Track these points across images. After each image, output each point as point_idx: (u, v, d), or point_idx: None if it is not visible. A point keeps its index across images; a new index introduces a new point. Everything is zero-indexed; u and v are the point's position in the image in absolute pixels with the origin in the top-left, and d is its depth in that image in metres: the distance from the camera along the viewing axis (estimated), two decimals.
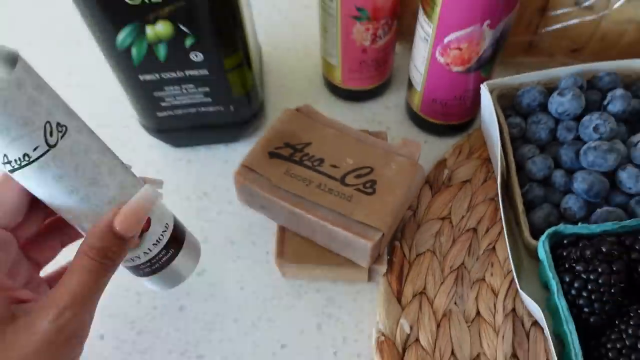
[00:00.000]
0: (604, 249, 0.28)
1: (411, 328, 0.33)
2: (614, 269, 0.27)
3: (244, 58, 0.36)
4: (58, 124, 0.22)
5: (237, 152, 0.41)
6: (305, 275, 0.36)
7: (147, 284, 0.29)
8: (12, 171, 0.22)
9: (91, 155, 0.24)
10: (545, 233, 0.29)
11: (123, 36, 0.31)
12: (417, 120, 0.41)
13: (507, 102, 0.36)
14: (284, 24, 0.48)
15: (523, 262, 0.34)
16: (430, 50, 0.34)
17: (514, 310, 0.33)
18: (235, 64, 0.35)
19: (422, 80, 0.37)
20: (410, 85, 0.40)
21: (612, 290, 0.27)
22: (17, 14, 0.51)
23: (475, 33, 0.31)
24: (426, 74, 0.36)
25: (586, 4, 0.37)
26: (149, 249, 0.27)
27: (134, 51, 0.32)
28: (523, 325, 0.33)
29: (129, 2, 0.29)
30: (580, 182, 0.31)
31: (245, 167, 0.33)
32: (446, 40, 0.32)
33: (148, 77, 0.34)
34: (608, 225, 0.29)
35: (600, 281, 0.27)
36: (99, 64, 0.35)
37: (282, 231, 0.35)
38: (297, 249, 0.34)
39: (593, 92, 0.34)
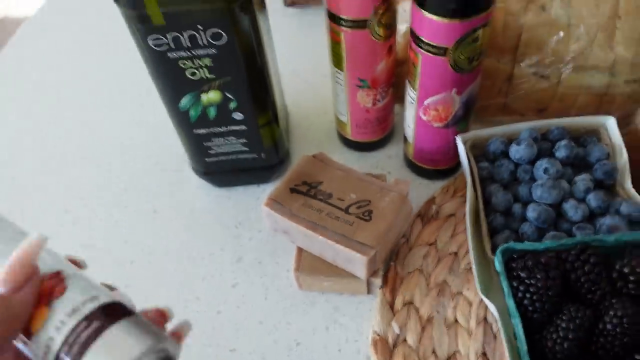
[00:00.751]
0: (542, 260, 0.36)
1: (400, 330, 0.41)
2: (550, 275, 0.35)
3: (273, 117, 0.47)
4: None
5: (267, 191, 0.51)
6: (316, 287, 0.45)
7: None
8: None
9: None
10: (499, 248, 0.37)
11: (185, 101, 0.42)
12: (412, 166, 0.51)
13: (479, 151, 0.45)
14: (307, 90, 0.59)
15: (492, 278, 0.42)
16: (416, 110, 0.44)
17: (485, 318, 0.41)
18: (266, 122, 0.46)
19: (412, 134, 0.47)
20: (405, 138, 0.49)
21: (549, 293, 0.35)
22: (107, 77, 0.64)
23: (447, 98, 0.41)
24: (415, 129, 0.46)
25: (543, 73, 0.46)
26: (61, 321, 0.23)
27: (191, 112, 0.43)
28: (492, 329, 0.41)
29: (191, 78, 0.40)
30: (531, 212, 0.40)
31: (272, 199, 0.43)
32: (426, 102, 0.42)
33: (201, 131, 0.45)
34: (548, 243, 0.37)
35: (539, 285, 0.35)
36: (161, 121, 0.46)
37: (300, 250, 0.44)
38: (311, 264, 0.43)
39: (545, 143, 0.43)
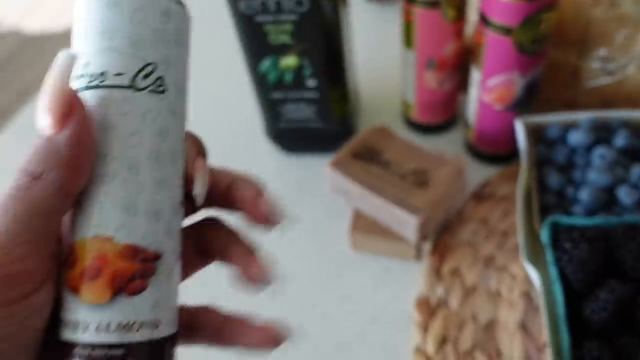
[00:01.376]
0: (586, 234, 0.37)
1: (444, 294, 0.43)
2: (594, 248, 0.37)
3: (344, 91, 0.50)
4: (159, 78, 0.19)
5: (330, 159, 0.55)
6: (369, 248, 0.47)
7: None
8: (81, 90, 0.19)
9: (159, 144, 0.19)
10: (547, 220, 0.39)
11: (265, 65, 0.47)
12: (472, 150, 0.53)
13: (537, 135, 0.46)
14: (377, 78, 0.63)
15: (539, 254, 0.43)
16: (479, 91, 0.46)
17: (527, 293, 0.43)
18: (338, 96, 0.50)
19: (474, 116, 0.49)
20: (466, 123, 0.52)
21: (592, 265, 0.36)
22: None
23: (509, 79, 0.44)
24: (477, 110, 0.48)
25: (609, 68, 0.47)
26: (107, 324, 0.18)
27: (270, 75, 0.48)
28: (532, 303, 0.42)
29: (273, 42, 0.45)
30: (583, 193, 0.41)
31: (336, 161, 0.47)
32: (489, 83, 0.45)
33: (276, 94, 0.49)
34: (596, 220, 0.38)
35: (582, 256, 0.37)
36: (243, 87, 0.51)
37: (357, 213, 0.47)
38: (365, 225, 0.46)
39: (603, 132, 0.44)
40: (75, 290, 0.18)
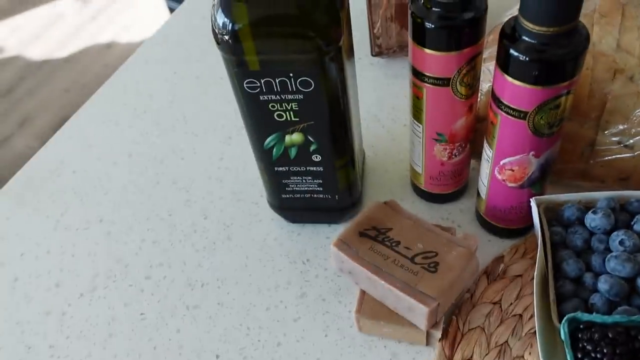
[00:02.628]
0: (610, 335, 0.35)
1: None
2: (617, 351, 0.34)
3: (350, 160, 0.49)
4: None
5: (337, 231, 0.53)
6: (376, 332, 0.45)
7: None
8: None
9: None
10: (565, 317, 0.37)
11: (269, 140, 0.45)
12: (482, 222, 0.51)
13: (553, 215, 0.44)
14: (385, 136, 0.61)
15: (556, 346, 0.41)
16: (491, 168, 0.45)
17: None
18: (343, 164, 0.48)
19: (485, 191, 0.47)
20: (478, 194, 0.50)
21: None
22: (195, 109, 0.69)
23: (523, 160, 0.42)
24: (489, 186, 0.46)
25: (627, 143, 0.46)
26: None
27: (274, 150, 0.46)
28: None
29: (278, 119, 0.43)
30: (603, 283, 0.39)
31: (340, 240, 0.45)
32: (502, 162, 0.43)
33: (281, 168, 0.47)
34: (617, 318, 0.36)
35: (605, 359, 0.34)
36: (244, 155, 0.50)
37: (363, 293, 0.45)
38: (372, 308, 0.44)
39: (623, 214, 0.42)
40: None
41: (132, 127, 0.67)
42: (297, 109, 0.42)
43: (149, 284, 0.52)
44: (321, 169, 0.47)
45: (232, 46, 0.39)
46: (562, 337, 0.37)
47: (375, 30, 0.66)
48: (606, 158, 0.47)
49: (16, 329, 0.50)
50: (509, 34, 0.37)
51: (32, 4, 2.43)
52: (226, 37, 0.39)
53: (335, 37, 0.39)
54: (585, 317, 0.37)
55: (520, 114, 0.39)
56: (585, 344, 0.35)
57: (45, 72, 2.16)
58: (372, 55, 0.68)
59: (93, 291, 0.52)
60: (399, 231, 0.45)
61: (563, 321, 0.37)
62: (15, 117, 2.00)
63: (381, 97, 0.65)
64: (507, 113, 0.40)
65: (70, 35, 2.29)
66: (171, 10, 1.94)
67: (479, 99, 0.48)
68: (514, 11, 0.53)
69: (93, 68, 2.16)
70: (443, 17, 0.39)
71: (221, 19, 0.38)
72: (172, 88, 0.72)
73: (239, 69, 0.40)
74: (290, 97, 0.41)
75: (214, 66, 0.72)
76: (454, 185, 0.52)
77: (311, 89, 0.41)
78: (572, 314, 0.37)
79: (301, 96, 0.41)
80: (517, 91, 0.38)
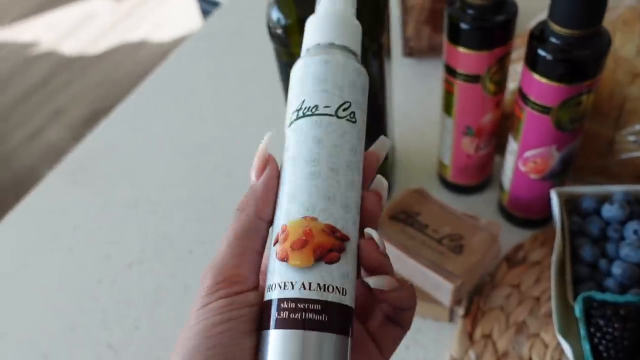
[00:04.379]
0: (621, 312, 0.38)
1: (476, 358, 0.45)
2: (627, 326, 0.38)
3: None
4: (353, 113, 0.26)
5: None
6: None
7: (262, 348, 0.23)
8: (296, 120, 0.25)
9: (351, 156, 0.25)
10: (580, 295, 0.40)
11: None
12: (505, 213, 0.54)
13: (572, 206, 0.48)
14: (414, 132, 0.65)
15: (571, 325, 0.44)
16: (515, 160, 0.48)
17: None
18: None
19: (509, 183, 0.51)
20: (501, 186, 0.53)
21: (625, 342, 0.38)
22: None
23: (546, 152, 0.45)
24: (512, 178, 0.50)
25: None
26: (309, 283, 0.23)
27: None
28: None
29: None
30: (617, 268, 0.42)
31: None
32: (525, 155, 0.46)
33: None
34: (629, 297, 0.39)
35: (615, 334, 0.38)
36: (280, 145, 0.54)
37: None
38: None
39: (637, 206, 0.46)
40: (285, 258, 0.23)
41: (176, 115, 0.72)
42: None
43: (192, 258, 0.56)
44: None
45: (283, 39, 0.43)
46: (577, 313, 0.40)
47: (407, 32, 0.70)
48: (623, 156, 0.50)
49: (71, 294, 0.55)
50: (538, 35, 0.41)
51: (67, 1, 2.52)
52: (278, 31, 0.43)
53: (379, 34, 0.43)
54: (599, 295, 0.40)
55: (545, 110, 0.43)
56: (598, 320, 0.39)
57: (78, 67, 2.24)
58: (404, 55, 0.72)
59: (140, 263, 0.57)
60: (427, 215, 0.49)
61: (578, 298, 0.40)
62: (49, 109, 2.07)
63: (411, 95, 0.69)
64: (533, 108, 0.43)
65: (104, 33, 2.36)
66: (203, 10, 2.00)
67: (505, 97, 0.52)
68: (540, 18, 0.57)
69: (124, 65, 2.22)
70: (477, 19, 0.43)
71: (275, 14, 0.43)
72: (214, 82, 0.76)
73: (288, 59, 0.44)
74: None
75: (255, 62, 0.77)
76: (478, 178, 0.55)
77: None
78: (587, 293, 0.40)
79: None
80: (543, 88, 0.42)
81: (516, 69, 0.53)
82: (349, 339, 0.24)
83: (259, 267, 0.25)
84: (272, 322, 0.23)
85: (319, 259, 0.23)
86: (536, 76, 0.41)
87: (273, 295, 0.23)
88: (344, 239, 0.24)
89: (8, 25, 2.42)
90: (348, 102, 0.26)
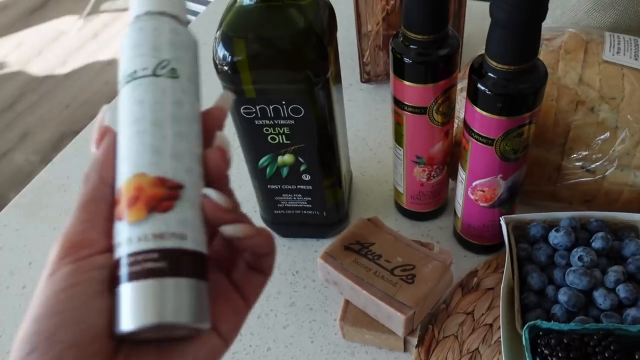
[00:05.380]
0: (565, 340, 0.39)
1: None
2: (571, 356, 0.38)
3: (337, 180, 0.53)
4: (173, 69, 0.26)
5: (324, 246, 0.57)
6: (358, 338, 0.49)
7: (115, 306, 0.24)
8: (120, 90, 0.27)
9: (176, 109, 0.26)
10: (526, 325, 0.41)
11: (263, 160, 0.49)
12: (459, 239, 0.55)
13: (520, 232, 0.49)
14: (372, 158, 0.65)
15: (520, 353, 0.45)
16: (465, 189, 0.49)
17: None
18: (330, 184, 0.52)
19: (461, 210, 0.51)
20: (455, 212, 0.54)
21: None
22: None
23: (492, 182, 0.46)
24: (463, 205, 0.51)
25: (589, 167, 0.50)
26: (144, 234, 0.24)
27: (268, 170, 0.50)
28: None
29: (271, 142, 0.47)
30: (563, 295, 0.43)
31: (327, 253, 0.49)
32: (473, 184, 0.47)
33: (273, 186, 0.52)
34: (573, 326, 0.40)
35: None
36: (240, 173, 0.54)
37: (347, 303, 0.49)
38: (355, 316, 0.48)
39: (583, 232, 0.47)
40: (121, 217, 0.24)
41: None
42: (288, 132, 0.47)
43: None
44: (310, 187, 0.51)
45: (230, 76, 0.43)
46: (524, 342, 0.41)
47: (364, 59, 0.71)
48: (571, 181, 0.51)
49: None
50: (477, 69, 0.42)
51: (35, 21, 2.49)
52: (225, 68, 0.43)
53: (324, 69, 0.44)
54: (545, 324, 0.41)
55: (489, 141, 0.43)
56: (543, 349, 0.39)
57: (46, 88, 2.21)
58: (362, 81, 0.73)
59: None
60: (380, 245, 0.50)
61: (524, 328, 0.41)
62: (16, 132, 2.04)
63: (369, 121, 0.69)
64: (477, 140, 0.44)
65: (72, 53, 2.34)
66: None
67: (455, 126, 0.53)
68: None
69: (93, 85, 2.20)
70: (420, 54, 0.44)
71: (221, 51, 0.43)
72: None
73: (237, 97, 0.44)
74: (282, 122, 0.46)
75: (211, 92, 0.77)
76: (433, 204, 0.56)
77: (301, 115, 0.45)
78: (532, 322, 0.41)
79: (292, 121, 0.46)
80: (485, 120, 0.42)
81: (464, 99, 0.54)
82: (198, 281, 0.24)
83: (109, 232, 0.25)
84: (120, 278, 0.24)
85: (151, 210, 0.24)
86: (478, 109, 0.42)
87: (117, 254, 0.24)
88: (177, 187, 0.25)
89: None
90: (166, 60, 0.26)
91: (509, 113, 0.41)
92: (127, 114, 0.26)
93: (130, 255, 0.24)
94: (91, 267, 0.24)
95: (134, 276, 0.23)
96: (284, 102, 0.45)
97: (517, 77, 0.40)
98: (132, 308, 0.23)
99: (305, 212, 0.54)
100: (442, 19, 0.43)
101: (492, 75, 0.41)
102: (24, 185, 0.68)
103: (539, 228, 0.48)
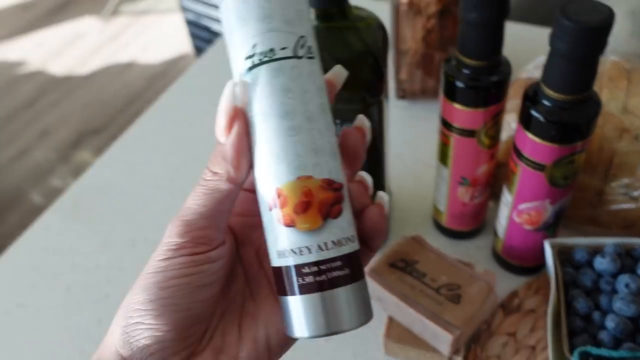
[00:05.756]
0: None
1: None
2: None
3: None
4: (309, 47, 0.23)
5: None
6: (401, 355, 0.50)
7: (290, 312, 0.23)
8: (251, 68, 0.23)
9: (321, 97, 0.24)
10: (577, 350, 0.41)
11: None
12: (498, 259, 0.56)
13: (564, 256, 0.49)
14: (408, 175, 0.66)
15: None
16: (510, 212, 0.50)
17: None
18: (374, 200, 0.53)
19: (503, 232, 0.52)
20: (495, 233, 0.55)
21: None
22: None
23: (540, 206, 0.47)
24: (506, 227, 0.51)
25: (632, 195, 0.51)
26: (324, 243, 0.23)
27: None
28: None
29: None
30: (610, 322, 0.44)
31: (372, 269, 0.50)
32: (520, 207, 0.48)
33: None
34: (624, 353, 0.41)
35: None
36: None
37: (390, 319, 0.50)
38: (399, 333, 0.49)
39: (628, 259, 0.47)
40: (292, 223, 0.23)
41: (173, 154, 0.72)
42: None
43: None
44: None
45: None
46: None
47: (400, 76, 0.72)
48: (613, 207, 0.52)
49: (69, 334, 0.55)
50: (531, 96, 0.43)
51: (56, 21, 2.51)
52: None
53: (379, 90, 0.45)
54: (595, 350, 0.41)
55: (539, 167, 0.44)
56: None
57: (65, 88, 2.23)
58: (397, 97, 0.74)
59: None
60: (424, 264, 0.50)
61: (575, 352, 0.41)
62: (36, 130, 2.06)
63: (404, 138, 0.70)
64: (527, 164, 0.45)
65: (92, 53, 2.36)
66: (196, 47, 2.01)
67: (498, 147, 0.53)
68: (529, 68, 0.59)
69: (112, 86, 2.22)
70: (472, 78, 0.45)
71: None
72: (211, 119, 0.77)
73: None
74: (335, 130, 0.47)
75: None
76: (473, 224, 0.57)
77: None
78: (583, 348, 0.41)
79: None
80: (537, 146, 0.43)
81: (507, 120, 0.55)
82: (365, 279, 0.25)
83: (226, 226, 0.26)
84: (296, 289, 0.23)
85: (326, 216, 0.23)
86: (530, 135, 0.43)
87: (289, 262, 0.23)
88: (340, 187, 0.24)
89: None
90: (303, 36, 0.24)
91: (562, 141, 0.42)
92: (271, 103, 0.23)
93: (311, 265, 0.23)
94: (205, 261, 0.25)
95: (318, 286, 0.23)
96: (338, 121, 0.45)
97: (572, 106, 0.41)
98: (322, 316, 0.23)
99: None
100: (497, 46, 0.44)
101: (547, 103, 0.41)
102: (42, 182, 0.69)
103: (583, 253, 0.48)
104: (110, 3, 2.51)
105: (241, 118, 0.24)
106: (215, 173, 0.25)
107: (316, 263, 0.23)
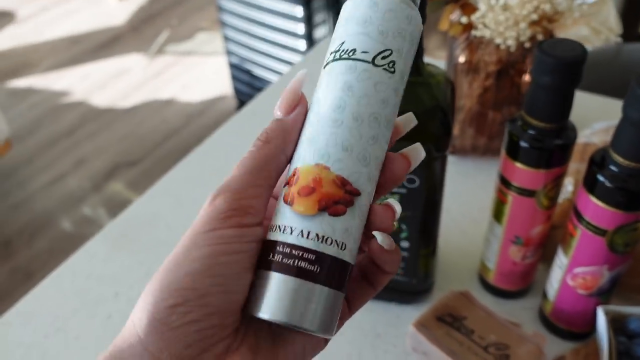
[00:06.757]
0: None
1: None
2: None
3: (432, 250, 0.54)
4: (392, 62, 0.24)
5: (406, 311, 0.57)
6: None
7: (255, 287, 0.24)
8: (331, 61, 0.25)
9: (381, 108, 0.24)
10: None
11: None
12: (546, 321, 0.55)
13: (617, 324, 0.48)
14: (455, 229, 0.66)
15: None
16: (564, 274, 0.49)
17: None
18: (426, 253, 0.53)
19: (554, 294, 0.52)
20: (544, 295, 0.54)
21: None
22: None
23: (597, 271, 0.46)
24: (558, 290, 0.51)
25: None
26: (308, 231, 0.23)
27: None
28: None
29: None
30: None
31: (420, 322, 0.49)
32: (575, 270, 0.48)
33: None
34: None
35: None
36: None
37: None
38: None
39: None
40: (291, 202, 0.24)
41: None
42: (399, 200, 0.48)
43: None
44: (407, 254, 0.52)
45: None
46: None
47: (453, 131, 0.73)
48: None
49: None
50: (598, 161, 0.43)
51: (103, 56, 2.62)
52: None
53: (445, 145, 0.46)
54: None
55: (600, 231, 0.44)
56: None
57: (105, 119, 2.30)
58: (448, 152, 0.75)
59: None
60: (473, 320, 0.50)
61: None
62: (73, 158, 2.11)
63: (453, 192, 0.71)
64: (587, 228, 0.45)
65: (134, 89, 2.44)
66: (234, 77, 2.07)
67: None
68: (586, 134, 0.59)
69: (150, 121, 2.28)
70: (537, 139, 0.46)
71: None
72: None
73: None
74: (395, 190, 0.47)
75: None
76: (521, 284, 0.56)
77: (415, 185, 0.47)
78: None
79: (405, 190, 0.47)
80: (600, 211, 0.43)
81: (564, 182, 0.55)
82: (341, 294, 0.24)
83: (268, 202, 0.25)
84: (269, 263, 0.23)
85: (323, 209, 0.23)
86: (593, 199, 0.43)
87: (273, 236, 0.24)
88: (354, 193, 0.24)
89: (42, 74, 2.51)
90: (389, 49, 0.24)
91: (628, 207, 0.42)
92: (329, 94, 0.24)
93: (287, 245, 0.23)
94: (253, 238, 0.24)
95: (283, 268, 0.23)
96: None
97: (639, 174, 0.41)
98: (273, 299, 0.23)
99: (396, 277, 0.55)
100: (566, 110, 0.44)
101: (614, 168, 0.42)
102: (73, 209, 0.71)
103: (638, 322, 0.47)
104: (156, 42, 2.61)
105: (304, 102, 0.26)
106: (267, 142, 0.25)
107: (291, 246, 0.23)
